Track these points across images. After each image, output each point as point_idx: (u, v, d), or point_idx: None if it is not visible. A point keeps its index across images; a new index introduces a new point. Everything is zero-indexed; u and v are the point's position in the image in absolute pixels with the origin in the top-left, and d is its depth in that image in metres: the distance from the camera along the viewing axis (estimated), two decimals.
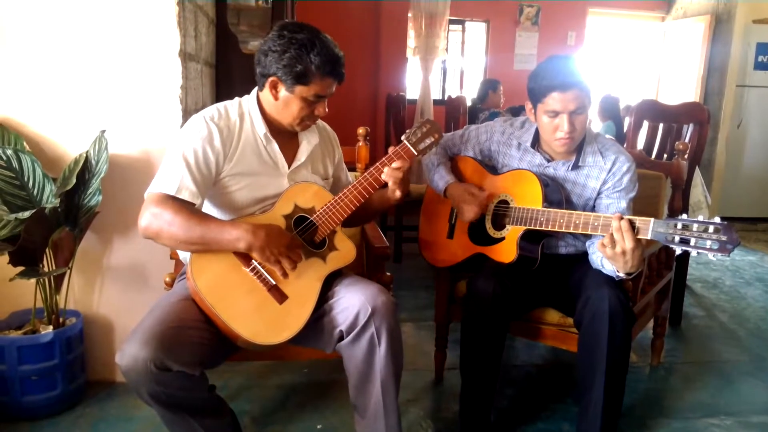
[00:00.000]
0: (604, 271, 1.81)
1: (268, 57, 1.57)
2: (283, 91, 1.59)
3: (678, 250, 1.53)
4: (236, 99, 1.70)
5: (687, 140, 3.03)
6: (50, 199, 1.94)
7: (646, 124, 3.31)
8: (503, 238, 1.89)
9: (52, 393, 2.02)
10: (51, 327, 2.05)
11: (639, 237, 1.60)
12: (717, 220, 1.49)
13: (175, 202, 1.49)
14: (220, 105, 1.66)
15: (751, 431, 2.13)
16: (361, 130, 2.27)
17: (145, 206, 1.50)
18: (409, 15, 5.69)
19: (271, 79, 1.58)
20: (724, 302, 3.51)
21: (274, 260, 1.52)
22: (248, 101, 1.68)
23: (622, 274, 1.72)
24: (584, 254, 1.92)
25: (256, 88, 1.68)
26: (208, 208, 1.65)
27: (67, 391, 2.06)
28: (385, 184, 1.69)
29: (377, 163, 1.68)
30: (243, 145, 1.62)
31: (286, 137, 1.70)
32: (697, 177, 3.81)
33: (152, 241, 1.51)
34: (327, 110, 1.65)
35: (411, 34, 5.73)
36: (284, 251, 1.53)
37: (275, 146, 1.67)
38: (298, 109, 1.61)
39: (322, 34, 1.58)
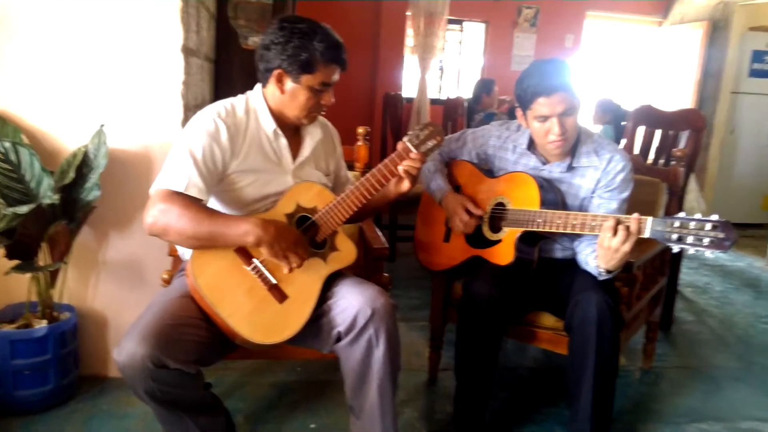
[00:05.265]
0: (588, 269, 1.82)
1: (271, 50, 1.58)
2: (289, 83, 1.60)
3: (676, 249, 1.54)
4: (242, 95, 1.69)
5: (683, 146, 3.05)
6: (48, 192, 1.93)
7: (641, 129, 3.33)
8: (500, 240, 1.90)
9: (44, 388, 2.01)
10: (45, 321, 2.04)
11: (633, 236, 1.61)
12: (715, 217, 1.49)
13: (183, 198, 1.47)
14: (227, 101, 1.65)
15: None
16: (361, 130, 2.27)
17: (151, 203, 1.48)
18: (408, 14, 5.69)
19: (276, 72, 1.59)
20: (714, 308, 3.54)
21: (282, 255, 1.51)
22: (254, 97, 1.68)
23: (603, 270, 1.74)
24: None
25: (259, 85, 1.68)
26: (213, 204, 1.64)
27: (59, 385, 2.05)
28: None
29: (378, 166, 1.67)
30: (249, 142, 1.62)
31: (289, 134, 1.70)
32: (693, 183, 3.85)
33: (158, 237, 1.49)
34: (333, 99, 1.66)
35: (410, 32, 5.73)
36: (292, 247, 1.52)
37: (283, 142, 1.67)
38: (305, 99, 1.61)
39: (321, 24, 1.60)
